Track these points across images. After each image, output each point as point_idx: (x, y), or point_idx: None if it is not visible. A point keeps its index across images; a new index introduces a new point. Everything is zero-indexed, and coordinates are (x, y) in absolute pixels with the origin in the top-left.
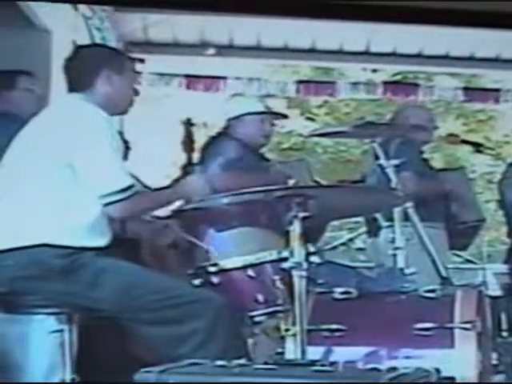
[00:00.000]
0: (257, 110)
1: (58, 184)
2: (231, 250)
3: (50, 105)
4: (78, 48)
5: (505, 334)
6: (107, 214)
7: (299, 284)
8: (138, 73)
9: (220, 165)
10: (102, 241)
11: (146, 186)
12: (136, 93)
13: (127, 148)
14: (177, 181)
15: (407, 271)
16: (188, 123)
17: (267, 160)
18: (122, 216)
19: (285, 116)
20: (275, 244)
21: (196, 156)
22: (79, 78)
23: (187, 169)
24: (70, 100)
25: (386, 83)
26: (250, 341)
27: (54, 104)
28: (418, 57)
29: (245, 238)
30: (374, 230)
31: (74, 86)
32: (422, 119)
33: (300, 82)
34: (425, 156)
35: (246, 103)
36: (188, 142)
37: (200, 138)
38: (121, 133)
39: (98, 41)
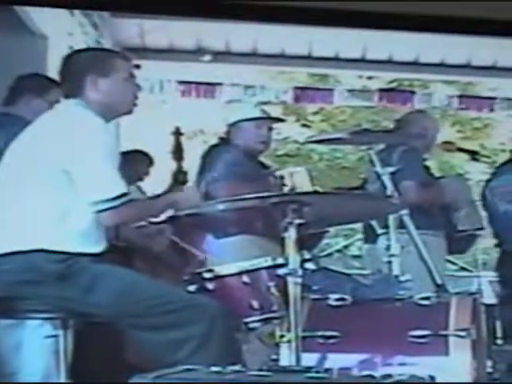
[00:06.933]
0: (253, 115)
1: (55, 189)
2: (228, 257)
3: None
4: (67, 56)
5: (500, 341)
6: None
7: (294, 290)
8: (137, 66)
9: (218, 173)
10: (97, 247)
11: (143, 192)
12: (138, 88)
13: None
14: (170, 189)
15: (402, 278)
16: (177, 132)
17: (266, 167)
18: (113, 223)
19: (281, 120)
20: (272, 251)
21: (186, 164)
22: (70, 85)
23: (178, 177)
24: (66, 105)
25: (381, 90)
26: (245, 347)
27: (51, 109)
28: (414, 64)
29: (242, 246)
30: (369, 237)
31: (68, 93)
32: (427, 126)
33: (296, 88)
34: (426, 163)
35: (242, 109)
36: (177, 151)
37: (197, 145)
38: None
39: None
